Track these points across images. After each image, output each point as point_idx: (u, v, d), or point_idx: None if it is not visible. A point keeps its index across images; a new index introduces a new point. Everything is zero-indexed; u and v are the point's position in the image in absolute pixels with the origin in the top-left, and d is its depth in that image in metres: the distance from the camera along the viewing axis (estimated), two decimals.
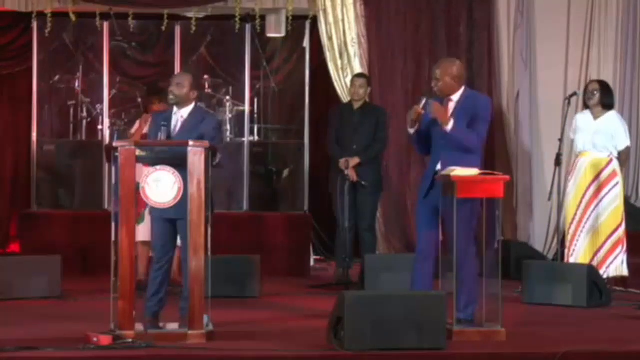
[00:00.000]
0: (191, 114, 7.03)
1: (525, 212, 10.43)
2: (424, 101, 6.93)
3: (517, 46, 10.46)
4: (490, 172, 6.78)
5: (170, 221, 6.81)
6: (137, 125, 9.24)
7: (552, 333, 6.94)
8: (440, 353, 6.09)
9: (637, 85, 10.58)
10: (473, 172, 6.64)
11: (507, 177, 6.73)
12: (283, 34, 10.87)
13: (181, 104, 7.03)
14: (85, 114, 11.14)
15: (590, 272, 8.17)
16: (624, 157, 8.84)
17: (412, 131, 6.96)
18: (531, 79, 10.47)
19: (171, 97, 7.03)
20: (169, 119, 7.00)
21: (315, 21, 10.67)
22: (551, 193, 9.03)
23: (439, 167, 6.88)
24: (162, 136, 6.88)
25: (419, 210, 7.03)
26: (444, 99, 6.97)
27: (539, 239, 10.38)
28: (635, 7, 10.56)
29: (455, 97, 6.96)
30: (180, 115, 7.02)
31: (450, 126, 6.79)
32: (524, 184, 10.45)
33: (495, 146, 10.43)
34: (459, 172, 6.60)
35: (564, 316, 7.70)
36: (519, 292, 8.39)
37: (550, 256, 10.16)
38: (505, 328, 6.54)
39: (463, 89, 7.00)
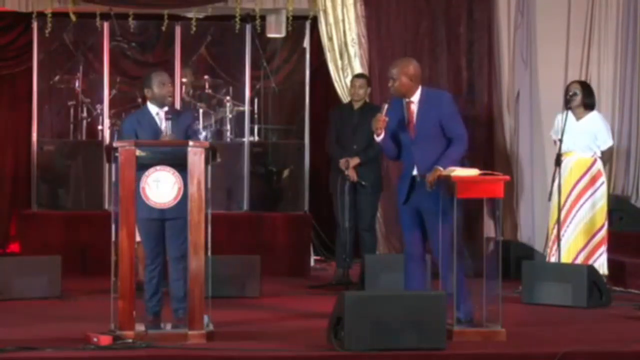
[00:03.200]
0: (168, 111, 7.02)
1: (525, 212, 10.42)
2: (386, 107, 6.94)
3: (517, 46, 10.45)
4: (490, 172, 6.79)
5: (158, 221, 6.81)
6: None
7: (552, 333, 6.94)
8: (440, 353, 6.09)
9: (637, 85, 10.56)
10: (473, 172, 6.65)
11: (507, 177, 6.75)
12: (283, 34, 10.87)
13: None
14: (85, 114, 11.14)
15: (590, 272, 8.18)
16: (606, 156, 8.90)
17: (378, 139, 6.98)
18: (531, 79, 10.46)
19: (170, 98, 7.04)
20: (151, 119, 6.98)
21: (315, 21, 10.67)
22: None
23: (414, 172, 6.91)
24: (167, 130, 6.87)
25: (401, 214, 7.07)
26: (403, 100, 6.98)
27: (539, 239, 10.37)
28: (635, 7, 10.55)
29: (415, 98, 6.98)
30: (164, 113, 6.99)
31: (445, 169, 6.77)
32: (524, 184, 10.45)
33: (495, 146, 10.43)
34: (459, 172, 6.60)
35: (564, 316, 7.70)
36: (519, 292, 8.40)
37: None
38: (505, 328, 6.54)
39: (420, 88, 7.00)
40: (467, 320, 6.79)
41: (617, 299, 8.30)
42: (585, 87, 8.96)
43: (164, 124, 6.90)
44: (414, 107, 6.96)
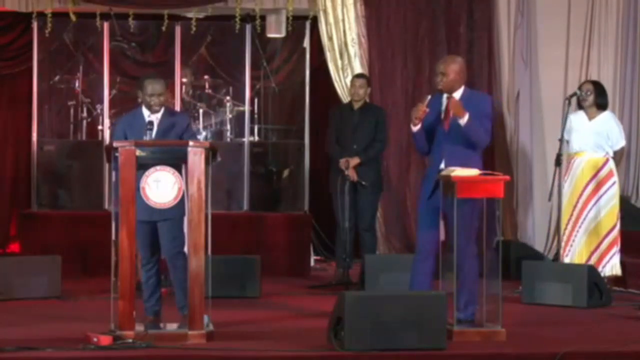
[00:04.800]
0: (164, 115, 7.02)
1: (525, 212, 10.43)
2: (428, 98, 6.93)
3: (517, 46, 10.46)
4: (490, 172, 6.79)
5: (151, 223, 6.82)
6: None
7: (552, 333, 6.94)
8: (440, 353, 6.09)
9: (637, 85, 10.58)
10: (473, 172, 6.65)
11: (507, 177, 6.74)
12: (283, 34, 10.87)
13: (161, 109, 7.05)
14: (85, 114, 11.14)
15: (590, 272, 8.18)
16: (618, 157, 8.87)
17: (415, 129, 6.96)
18: (531, 79, 10.47)
19: (156, 108, 6.97)
20: (142, 122, 6.97)
21: (315, 21, 10.67)
22: (551, 193, 9.03)
23: (442, 165, 6.89)
24: (147, 139, 6.87)
25: (421, 209, 7.02)
26: (442, 96, 6.97)
27: (539, 239, 10.38)
28: (635, 8, 10.56)
29: (457, 95, 6.96)
30: (155, 117, 6.98)
31: (465, 119, 6.78)
32: (524, 184, 10.45)
33: (495, 146, 10.42)
34: (459, 172, 6.60)
35: (564, 316, 7.70)
36: (519, 292, 8.40)
37: (550, 256, 10.16)
38: (505, 328, 6.54)
39: (463, 87, 7.01)
40: (468, 320, 6.78)
41: (617, 299, 8.30)
42: (598, 87, 8.92)
43: (148, 134, 6.87)
44: None
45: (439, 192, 6.84)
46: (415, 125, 6.93)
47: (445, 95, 6.97)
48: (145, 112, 7.01)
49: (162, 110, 7.02)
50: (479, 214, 6.80)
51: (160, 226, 6.83)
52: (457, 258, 6.63)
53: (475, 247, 6.84)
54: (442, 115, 6.96)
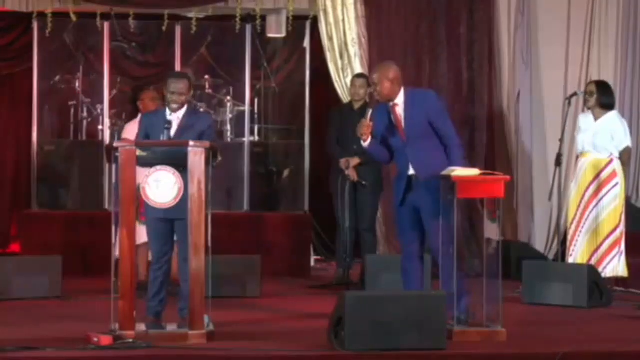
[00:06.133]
0: (186, 114, 7.02)
1: (526, 212, 10.43)
2: (370, 112, 6.94)
3: (518, 46, 10.46)
4: (490, 172, 6.80)
5: (167, 221, 6.82)
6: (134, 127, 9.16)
7: (552, 333, 6.94)
8: (440, 353, 6.09)
9: (637, 85, 10.58)
10: (473, 172, 6.65)
11: (508, 177, 6.74)
12: (283, 34, 10.87)
13: (182, 108, 7.03)
14: (85, 114, 11.15)
15: (591, 272, 8.18)
16: (625, 157, 8.83)
17: (365, 144, 6.96)
18: (532, 79, 10.46)
19: (174, 106, 6.98)
20: (164, 121, 6.96)
21: (315, 21, 10.67)
22: (551, 193, 9.03)
23: (411, 171, 6.90)
24: (164, 139, 6.86)
25: (399, 214, 7.05)
26: (388, 105, 6.97)
27: (539, 239, 10.38)
28: (635, 7, 10.57)
29: (399, 100, 6.96)
30: (176, 117, 6.99)
31: (458, 170, 6.76)
32: (524, 184, 10.45)
33: (495, 146, 10.43)
34: (459, 172, 6.60)
35: (564, 316, 7.70)
36: (519, 292, 8.40)
37: (551, 256, 10.16)
38: (505, 328, 6.54)
39: (403, 90, 7.00)
40: (462, 313, 6.77)
41: (617, 299, 8.31)
42: (601, 87, 8.89)
43: (165, 133, 6.87)
44: (400, 110, 6.95)
45: (413, 195, 6.89)
46: (365, 141, 6.95)
47: (389, 104, 6.97)
48: (168, 110, 7.02)
49: (185, 109, 7.02)
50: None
51: (177, 225, 6.82)
52: (437, 255, 6.71)
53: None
54: (395, 126, 6.95)
